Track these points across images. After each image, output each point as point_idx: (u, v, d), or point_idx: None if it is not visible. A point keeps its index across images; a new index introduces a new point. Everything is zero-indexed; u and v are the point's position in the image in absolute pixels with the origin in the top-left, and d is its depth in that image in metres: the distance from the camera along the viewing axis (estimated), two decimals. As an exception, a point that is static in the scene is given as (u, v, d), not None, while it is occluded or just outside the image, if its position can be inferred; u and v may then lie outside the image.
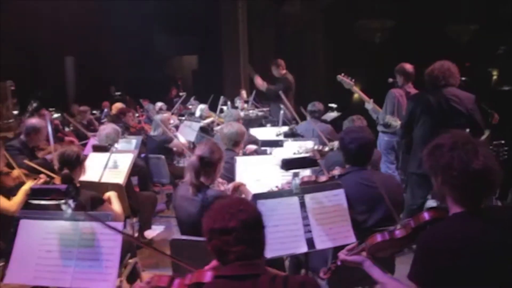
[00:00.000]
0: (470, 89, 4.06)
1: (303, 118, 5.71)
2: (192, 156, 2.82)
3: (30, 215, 2.29)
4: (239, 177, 3.48)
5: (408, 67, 4.87)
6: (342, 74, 5.12)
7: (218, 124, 7.18)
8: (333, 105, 7.16)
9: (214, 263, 1.74)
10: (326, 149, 4.10)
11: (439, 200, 1.73)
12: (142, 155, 5.30)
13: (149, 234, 4.81)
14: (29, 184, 3.56)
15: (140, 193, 4.69)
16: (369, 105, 5.09)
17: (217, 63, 12.89)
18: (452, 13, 11.19)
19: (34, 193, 2.26)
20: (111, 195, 3.30)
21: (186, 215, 2.77)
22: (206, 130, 7.17)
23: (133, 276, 3.50)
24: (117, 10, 11.30)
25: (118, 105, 8.81)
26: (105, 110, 7.18)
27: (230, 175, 3.53)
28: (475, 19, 11.28)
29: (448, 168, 1.54)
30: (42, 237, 2.23)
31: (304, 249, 2.42)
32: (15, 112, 8.29)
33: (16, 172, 3.77)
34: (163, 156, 5.25)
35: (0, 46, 8.93)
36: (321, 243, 2.45)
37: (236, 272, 1.56)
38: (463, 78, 4.20)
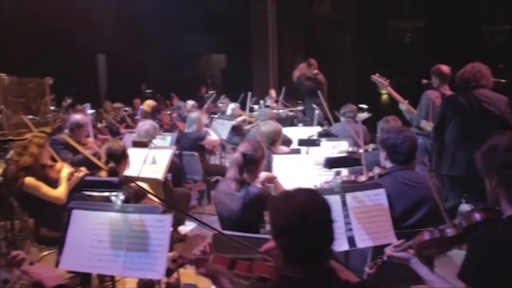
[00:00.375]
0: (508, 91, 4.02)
1: (335, 119, 5.73)
2: (236, 153, 2.87)
3: (82, 205, 2.38)
4: (276, 175, 3.52)
5: (445, 68, 4.82)
6: (377, 75, 5.10)
7: (250, 123, 7.26)
8: (364, 106, 7.14)
9: (271, 244, 1.67)
10: (361, 150, 4.12)
11: (473, 204, 1.74)
12: (177, 152, 5.40)
13: (183, 229, 4.90)
14: (67, 170, 3.71)
15: (174, 189, 4.78)
16: (403, 106, 5.06)
17: (246, 62, 12.98)
18: (485, 13, 10.99)
19: (87, 184, 2.36)
20: (144, 186, 3.40)
21: (227, 211, 2.83)
22: (236, 129, 7.25)
23: (169, 270, 3.58)
24: (148, 9, 11.52)
25: (149, 102, 8.98)
26: (141, 107, 7.33)
27: (266, 173, 3.58)
28: (510, 19, 11.01)
29: (504, 168, 1.54)
30: (93, 227, 2.32)
31: (345, 247, 2.44)
32: (52, 107, 8.54)
33: (60, 165, 3.91)
34: (196, 153, 5.33)
35: (40, 43, 9.23)
36: (362, 242, 2.47)
37: (305, 275, 1.46)
38: (503, 80, 4.15)
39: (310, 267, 1.47)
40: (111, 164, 3.09)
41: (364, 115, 6.87)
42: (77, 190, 3.46)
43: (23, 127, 7.43)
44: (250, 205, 2.75)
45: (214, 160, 7.00)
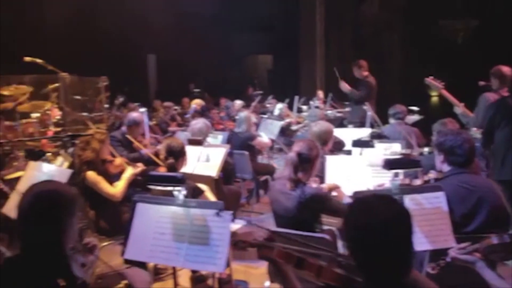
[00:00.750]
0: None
1: (384, 120, 5.64)
2: (291, 152, 2.91)
3: (146, 199, 2.49)
4: (329, 176, 3.53)
5: (506, 70, 4.65)
6: (431, 77, 4.99)
7: (298, 123, 7.28)
8: (414, 108, 6.99)
9: None
10: (415, 152, 4.05)
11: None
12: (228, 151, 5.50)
13: (232, 227, 4.97)
14: (130, 172, 3.87)
15: (226, 187, 4.87)
16: (459, 109, 4.92)
17: (293, 62, 12.99)
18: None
19: (153, 178, 2.46)
20: (204, 188, 3.49)
21: (282, 209, 2.88)
22: (284, 129, 7.29)
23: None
24: (197, 10, 11.76)
25: (198, 102, 9.18)
26: (193, 106, 7.52)
27: (319, 173, 3.59)
28: None
29: None
30: (156, 220, 2.42)
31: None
32: (105, 105, 8.89)
33: (119, 160, 4.09)
34: (247, 152, 5.41)
35: (95, 43, 9.64)
36: (420, 245, 2.44)
37: None
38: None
39: (391, 282, 1.37)
40: (170, 161, 3.21)
41: (415, 117, 6.75)
42: (139, 184, 3.61)
43: (80, 123, 7.81)
44: (305, 205, 2.77)
45: (261, 159, 7.07)
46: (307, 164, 2.88)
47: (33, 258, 1.57)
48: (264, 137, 6.03)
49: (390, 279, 1.36)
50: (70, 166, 3.47)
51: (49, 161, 3.88)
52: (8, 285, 1.59)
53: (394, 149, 4.27)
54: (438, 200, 2.53)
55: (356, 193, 2.51)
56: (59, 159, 3.79)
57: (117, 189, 3.75)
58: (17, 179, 4.46)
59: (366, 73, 6.68)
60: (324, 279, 1.55)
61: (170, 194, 2.51)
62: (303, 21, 12.59)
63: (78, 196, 1.70)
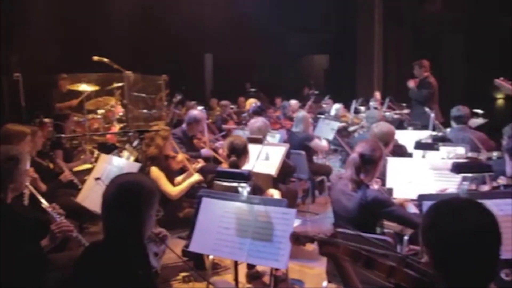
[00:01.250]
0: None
1: (446, 124, 5.45)
2: (353, 153, 2.89)
3: (211, 194, 2.57)
4: (390, 178, 3.48)
5: None
6: (501, 78, 4.76)
7: (354, 124, 7.19)
8: (479, 111, 6.70)
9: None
10: (482, 157, 3.90)
11: None
12: (286, 150, 5.53)
13: (288, 225, 5.00)
14: (196, 178, 3.98)
15: (282, 186, 4.90)
16: None
17: (350, 63, 12.82)
18: None
19: (220, 174, 2.54)
20: (274, 193, 3.55)
21: (343, 210, 2.86)
22: (341, 130, 7.22)
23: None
24: (254, 10, 11.86)
25: (252, 101, 9.28)
26: (253, 105, 7.63)
27: (380, 175, 3.54)
28: None
29: None
30: (221, 215, 2.49)
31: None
32: (165, 103, 9.19)
33: (181, 156, 4.23)
34: (304, 152, 5.41)
35: (154, 43, 9.99)
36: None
37: None
38: None
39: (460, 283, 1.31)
40: (233, 158, 3.28)
41: (479, 120, 6.46)
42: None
43: (141, 120, 8.13)
44: (366, 207, 2.75)
45: (316, 159, 7.05)
46: (370, 165, 2.85)
47: (114, 245, 1.67)
48: (323, 141, 6.00)
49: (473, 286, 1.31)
50: (136, 161, 3.61)
51: (119, 155, 4.07)
52: (90, 269, 1.70)
53: (459, 152, 4.13)
54: (509, 207, 2.43)
55: (421, 196, 2.46)
56: (125, 153, 3.98)
57: (176, 189, 3.88)
58: (84, 171, 4.74)
59: (427, 73, 6.49)
60: (396, 280, 1.51)
61: (232, 190, 2.58)
62: (360, 19, 12.40)
63: (157, 188, 1.78)
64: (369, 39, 12.10)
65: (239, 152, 3.32)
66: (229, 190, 2.70)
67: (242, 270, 3.90)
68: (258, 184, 3.24)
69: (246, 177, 2.40)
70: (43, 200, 2.77)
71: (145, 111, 8.39)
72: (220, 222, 2.48)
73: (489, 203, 2.46)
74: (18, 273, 2.40)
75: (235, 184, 2.45)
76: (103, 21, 8.72)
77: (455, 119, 5.03)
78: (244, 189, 2.46)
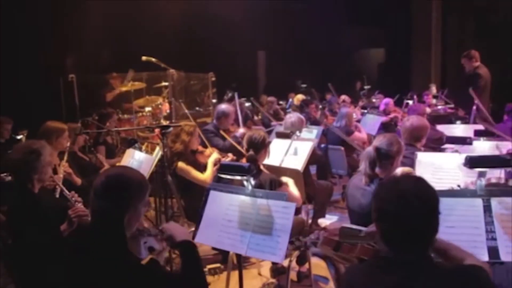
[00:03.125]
0: None
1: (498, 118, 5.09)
2: (369, 147, 2.79)
3: (218, 187, 2.59)
4: (419, 173, 3.30)
5: None
6: None
7: (402, 119, 6.90)
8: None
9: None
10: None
11: None
12: (322, 146, 5.43)
13: (322, 222, 4.90)
14: (214, 156, 4.04)
15: (317, 182, 4.83)
16: None
17: (406, 56, 12.33)
18: None
19: (223, 168, 2.55)
20: (288, 181, 3.50)
21: (357, 205, 2.77)
22: (387, 125, 6.97)
23: (302, 259, 3.67)
24: (306, 5, 11.73)
25: (299, 97, 9.20)
26: (290, 100, 7.58)
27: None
28: None
29: None
30: (225, 208, 2.50)
31: (485, 257, 2.18)
32: (214, 100, 9.36)
33: (209, 151, 4.30)
34: (342, 148, 5.29)
35: (203, 43, 10.18)
36: (507, 255, 2.18)
37: (400, 257, 1.50)
38: None
39: (406, 251, 1.48)
40: (251, 152, 3.28)
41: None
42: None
43: (185, 118, 8.32)
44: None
45: (358, 156, 6.85)
46: (387, 160, 2.73)
47: (96, 229, 1.78)
48: (363, 132, 5.83)
49: (403, 248, 1.48)
50: (162, 156, 3.72)
51: (140, 149, 4.20)
52: (75, 248, 1.80)
53: (503, 147, 3.84)
54: (534, 205, 2.23)
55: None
56: (156, 149, 4.10)
57: (206, 174, 3.96)
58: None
59: (476, 64, 6.09)
60: (357, 254, 1.78)
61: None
62: (417, 9, 11.85)
63: (146, 184, 1.86)
64: (426, 31, 11.57)
65: (257, 147, 3.31)
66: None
67: (268, 264, 3.90)
68: (275, 177, 3.20)
69: (246, 170, 2.39)
70: (63, 188, 2.95)
71: (193, 109, 8.51)
72: (225, 215, 2.49)
73: (509, 201, 2.29)
74: (39, 257, 2.58)
75: (237, 177, 2.45)
76: (153, 21, 8.99)
77: (509, 113, 4.72)
78: (249, 182, 2.45)
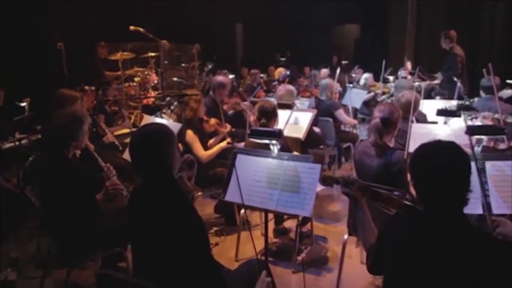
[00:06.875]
0: None
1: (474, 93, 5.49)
2: (375, 119, 3.05)
3: (245, 151, 2.85)
4: (413, 145, 3.64)
5: None
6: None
7: (383, 94, 7.29)
8: (511, 82, 6.66)
9: None
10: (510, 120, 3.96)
11: None
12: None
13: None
14: (225, 143, 4.29)
15: (310, 151, 5.14)
16: None
17: (381, 33, 12.69)
18: None
19: (254, 133, 2.80)
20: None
21: (368, 169, 3.01)
22: (369, 100, 7.34)
23: (305, 219, 4.00)
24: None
25: (280, 70, 9.41)
26: (283, 73, 7.82)
27: (402, 142, 3.71)
28: None
29: None
30: (254, 169, 2.77)
31: (479, 211, 2.56)
32: (197, 72, 9.47)
33: (213, 120, 4.53)
34: (331, 120, 5.60)
35: (186, 13, 10.18)
36: (498, 208, 2.56)
37: (430, 211, 1.63)
38: None
39: (442, 208, 1.60)
40: (263, 120, 3.54)
41: (510, 92, 6.44)
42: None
43: (174, 88, 8.44)
44: (390, 167, 2.90)
45: (344, 127, 7.21)
46: (390, 127, 3.03)
47: (147, 181, 1.94)
48: (350, 115, 6.12)
49: (446, 211, 1.60)
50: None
51: (162, 117, 4.39)
52: (137, 208, 1.98)
53: (482, 119, 4.23)
54: (521, 168, 2.61)
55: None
56: (164, 117, 4.29)
57: (207, 153, 4.22)
58: (123, 135, 5.10)
59: (451, 44, 6.50)
60: (394, 207, 1.87)
61: (261, 148, 2.84)
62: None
63: (171, 131, 2.00)
64: (402, 7, 11.92)
65: (268, 115, 3.58)
66: (258, 147, 2.99)
67: (271, 226, 4.21)
68: (287, 145, 3.49)
69: (277, 134, 2.66)
70: (100, 160, 3.12)
71: (175, 79, 8.60)
72: (253, 175, 2.76)
73: (502, 164, 2.67)
74: (74, 219, 2.76)
75: (266, 141, 2.72)
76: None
77: (485, 89, 5.07)
78: (275, 146, 2.72)
